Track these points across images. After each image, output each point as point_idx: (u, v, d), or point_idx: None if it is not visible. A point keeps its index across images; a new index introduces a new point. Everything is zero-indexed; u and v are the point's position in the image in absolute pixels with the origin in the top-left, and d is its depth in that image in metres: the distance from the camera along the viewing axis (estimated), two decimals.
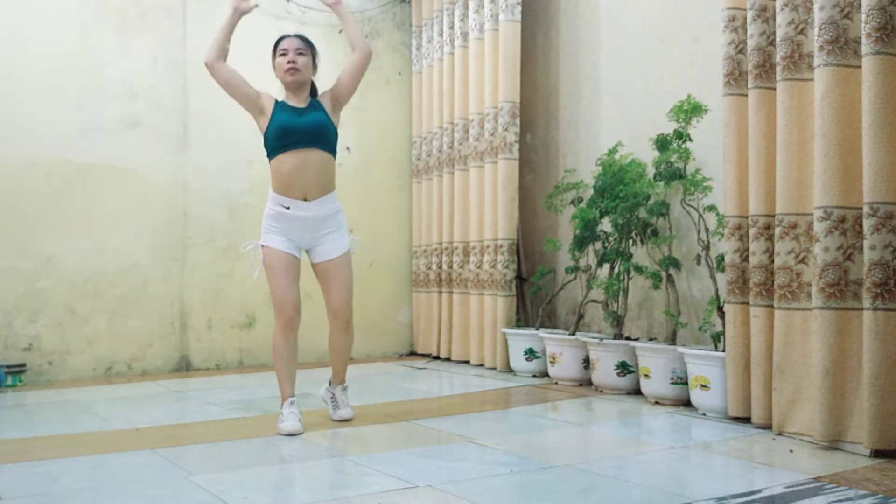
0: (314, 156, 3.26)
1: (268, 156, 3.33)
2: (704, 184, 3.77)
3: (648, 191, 4.08)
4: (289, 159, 3.24)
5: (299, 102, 3.34)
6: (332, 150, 3.35)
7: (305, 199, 3.26)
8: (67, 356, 4.83)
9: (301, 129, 3.25)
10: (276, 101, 3.34)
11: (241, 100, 3.32)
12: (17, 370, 4.56)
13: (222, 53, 3.28)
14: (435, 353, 5.74)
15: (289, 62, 3.28)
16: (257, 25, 5.47)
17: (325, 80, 3.53)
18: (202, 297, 5.25)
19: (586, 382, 4.36)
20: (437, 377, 4.90)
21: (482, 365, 5.17)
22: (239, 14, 3.33)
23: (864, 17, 2.75)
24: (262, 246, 3.29)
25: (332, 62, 5.73)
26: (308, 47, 3.34)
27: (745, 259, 3.32)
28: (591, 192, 4.47)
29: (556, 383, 4.47)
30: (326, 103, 3.38)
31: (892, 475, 2.49)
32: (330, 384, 3.53)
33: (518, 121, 5.03)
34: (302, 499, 2.33)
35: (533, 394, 4.20)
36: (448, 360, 5.55)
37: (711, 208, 3.79)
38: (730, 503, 2.22)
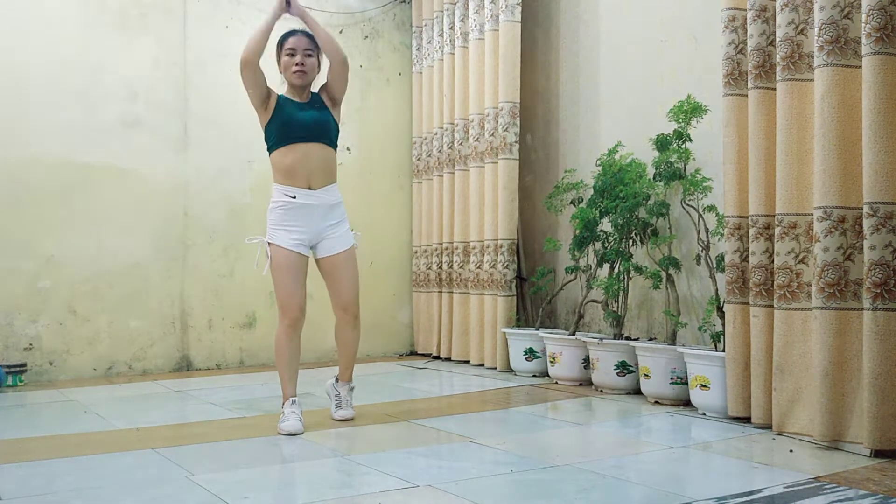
0: (315, 149, 3.28)
1: (268, 149, 3.33)
2: (704, 184, 3.77)
3: (648, 191, 4.08)
4: (290, 153, 3.26)
5: (301, 98, 3.35)
6: (333, 145, 3.37)
7: (310, 188, 3.27)
8: (68, 356, 4.83)
9: (303, 124, 3.26)
10: (279, 96, 3.34)
11: (257, 99, 3.26)
12: (18, 370, 4.56)
13: (260, 53, 3.23)
14: (435, 353, 5.75)
15: (297, 64, 3.27)
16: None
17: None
18: (203, 296, 5.25)
19: (586, 382, 4.36)
20: (437, 377, 4.90)
21: (482, 365, 5.18)
22: (280, 14, 3.30)
23: (864, 17, 2.75)
24: (269, 244, 3.28)
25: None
26: (315, 47, 3.34)
27: (745, 259, 3.32)
28: (591, 192, 4.48)
29: (556, 383, 4.48)
30: (325, 100, 3.39)
31: (893, 475, 2.49)
32: (337, 381, 3.52)
33: (518, 121, 5.03)
34: (302, 498, 2.33)
35: (533, 393, 4.20)
36: (448, 359, 5.56)
37: (711, 208, 3.79)
38: (729, 503, 2.22)
